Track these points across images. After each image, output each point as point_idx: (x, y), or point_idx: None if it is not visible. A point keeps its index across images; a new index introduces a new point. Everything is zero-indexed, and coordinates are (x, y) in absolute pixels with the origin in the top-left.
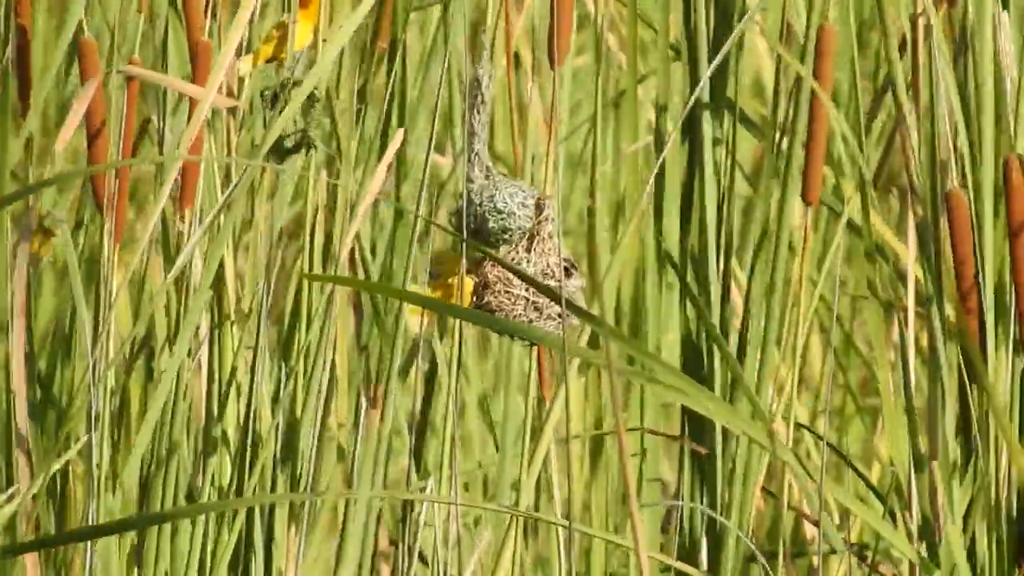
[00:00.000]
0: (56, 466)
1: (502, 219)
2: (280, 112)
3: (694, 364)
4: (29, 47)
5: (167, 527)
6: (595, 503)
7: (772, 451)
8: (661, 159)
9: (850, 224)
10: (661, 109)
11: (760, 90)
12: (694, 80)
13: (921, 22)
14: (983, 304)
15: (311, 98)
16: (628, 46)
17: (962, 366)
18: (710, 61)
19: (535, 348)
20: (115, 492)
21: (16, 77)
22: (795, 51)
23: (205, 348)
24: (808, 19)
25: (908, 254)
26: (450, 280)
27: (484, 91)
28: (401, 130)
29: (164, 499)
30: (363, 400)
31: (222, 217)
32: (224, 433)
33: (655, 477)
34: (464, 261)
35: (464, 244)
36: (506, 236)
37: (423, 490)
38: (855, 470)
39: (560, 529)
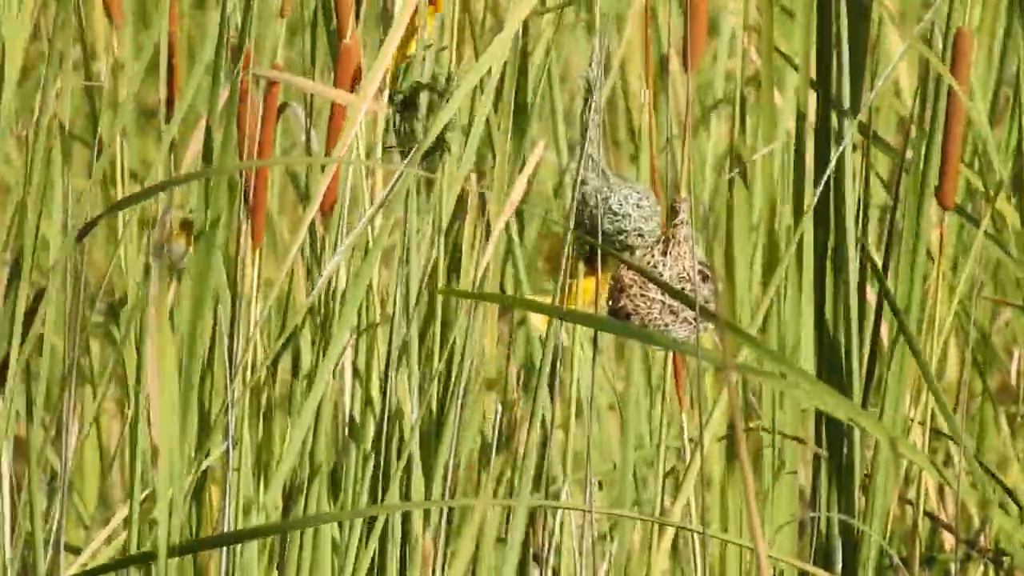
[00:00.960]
0: (194, 475)
1: (617, 221)
2: (410, 115)
3: (830, 370)
4: (176, 53)
5: (308, 534)
6: (732, 509)
7: (908, 456)
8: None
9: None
10: (800, 117)
11: (897, 91)
12: (826, 87)
13: None
14: None
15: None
16: (763, 57)
17: None
18: (849, 74)
19: (671, 354)
20: (258, 506)
21: (166, 84)
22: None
23: (350, 352)
24: (947, 22)
25: None
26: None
27: (596, 92)
28: (541, 143)
29: (307, 508)
30: (498, 406)
31: (370, 226)
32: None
33: (791, 478)
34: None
35: (599, 247)
36: (621, 238)
37: (557, 496)
38: (992, 475)
39: (695, 535)
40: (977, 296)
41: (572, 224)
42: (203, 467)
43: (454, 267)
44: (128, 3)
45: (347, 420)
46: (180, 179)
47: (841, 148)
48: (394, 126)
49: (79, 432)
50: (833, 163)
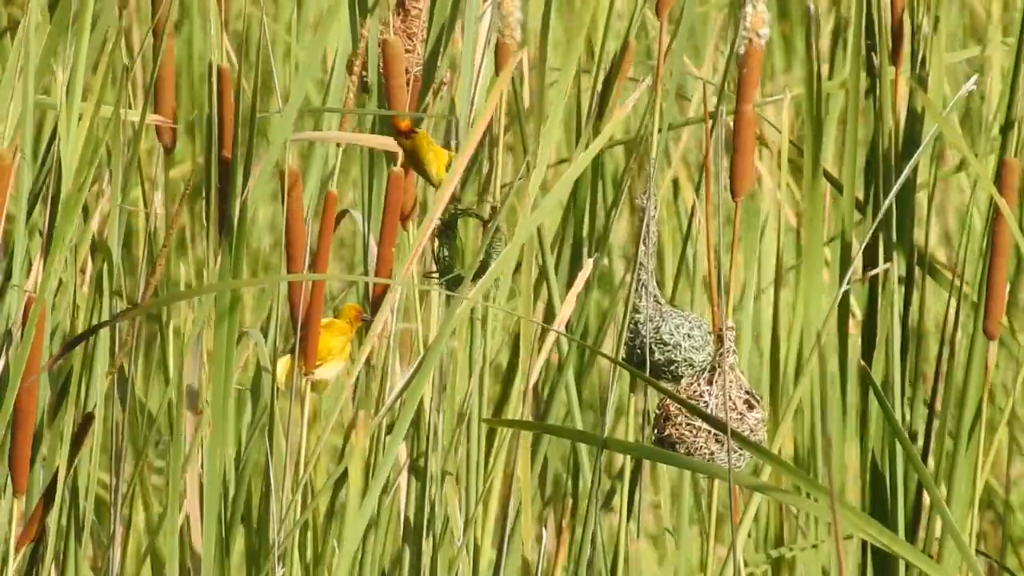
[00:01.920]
0: None
1: (667, 351)
2: (449, 241)
3: (877, 493)
4: (229, 170)
5: None
6: None
7: None
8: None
9: None
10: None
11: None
12: (876, 227)
13: None
14: None
15: (496, 228)
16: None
17: None
18: (897, 211)
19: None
20: None
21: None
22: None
23: (404, 475)
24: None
25: None
26: None
27: (650, 222)
28: (591, 260)
29: None
30: (544, 530)
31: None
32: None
33: None
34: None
35: (643, 379)
36: (672, 368)
37: None
38: None
39: None
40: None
41: (628, 355)
42: None
43: (505, 396)
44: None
45: (403, 532)
46: (184, 294)
47: (884, 269)
48: (434, 253)
49: (124, 552)
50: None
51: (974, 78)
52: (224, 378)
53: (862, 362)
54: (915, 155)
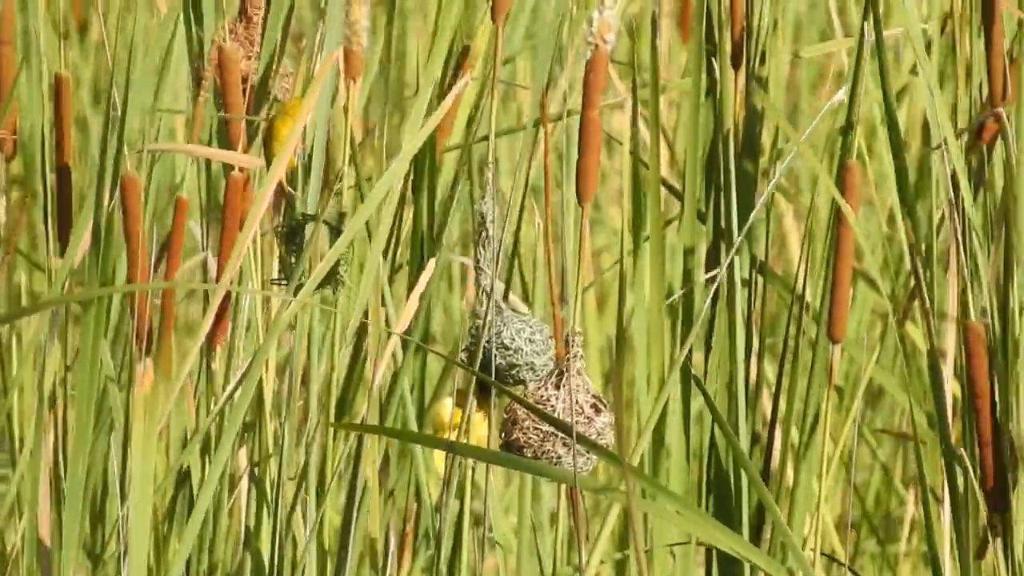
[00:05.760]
0: None
1: (509, 355)
2: (297, 247)
3: (721, 492)
4: (70, 177)
5: None
6: None
7: None
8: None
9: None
10: (688, 252)
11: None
12: (716, 227)
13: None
14: (1003, 442)
15: (340, 233)
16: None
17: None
18: (739, 215)
19: (563, 486)
20: None
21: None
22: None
23: (245, 481)
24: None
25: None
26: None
27: (489, 226)
28: (432, 260)
29: None
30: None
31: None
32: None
33: None
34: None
35: (490, 383)
36: (513, 372)
37: None
38: None
39: None
40: (864, 426)
41: (470, 360)
42: None
43: (352, 394)
44: None
45: (243, 530)
46: (36, 307)
47: (723, 266)
48: (280, 259)
49: None
50: (712, 291)
51: (843, 89)
52: (89, 383)
53: (686, 362)
54: (785, 167)
